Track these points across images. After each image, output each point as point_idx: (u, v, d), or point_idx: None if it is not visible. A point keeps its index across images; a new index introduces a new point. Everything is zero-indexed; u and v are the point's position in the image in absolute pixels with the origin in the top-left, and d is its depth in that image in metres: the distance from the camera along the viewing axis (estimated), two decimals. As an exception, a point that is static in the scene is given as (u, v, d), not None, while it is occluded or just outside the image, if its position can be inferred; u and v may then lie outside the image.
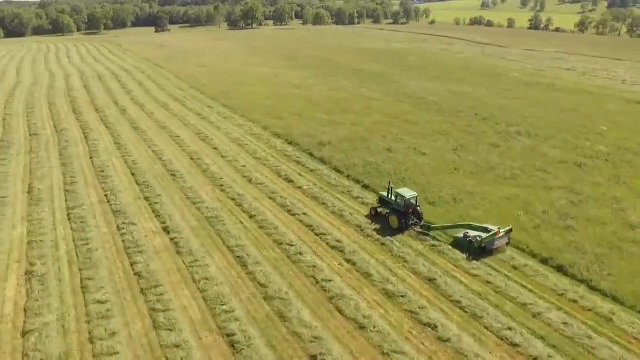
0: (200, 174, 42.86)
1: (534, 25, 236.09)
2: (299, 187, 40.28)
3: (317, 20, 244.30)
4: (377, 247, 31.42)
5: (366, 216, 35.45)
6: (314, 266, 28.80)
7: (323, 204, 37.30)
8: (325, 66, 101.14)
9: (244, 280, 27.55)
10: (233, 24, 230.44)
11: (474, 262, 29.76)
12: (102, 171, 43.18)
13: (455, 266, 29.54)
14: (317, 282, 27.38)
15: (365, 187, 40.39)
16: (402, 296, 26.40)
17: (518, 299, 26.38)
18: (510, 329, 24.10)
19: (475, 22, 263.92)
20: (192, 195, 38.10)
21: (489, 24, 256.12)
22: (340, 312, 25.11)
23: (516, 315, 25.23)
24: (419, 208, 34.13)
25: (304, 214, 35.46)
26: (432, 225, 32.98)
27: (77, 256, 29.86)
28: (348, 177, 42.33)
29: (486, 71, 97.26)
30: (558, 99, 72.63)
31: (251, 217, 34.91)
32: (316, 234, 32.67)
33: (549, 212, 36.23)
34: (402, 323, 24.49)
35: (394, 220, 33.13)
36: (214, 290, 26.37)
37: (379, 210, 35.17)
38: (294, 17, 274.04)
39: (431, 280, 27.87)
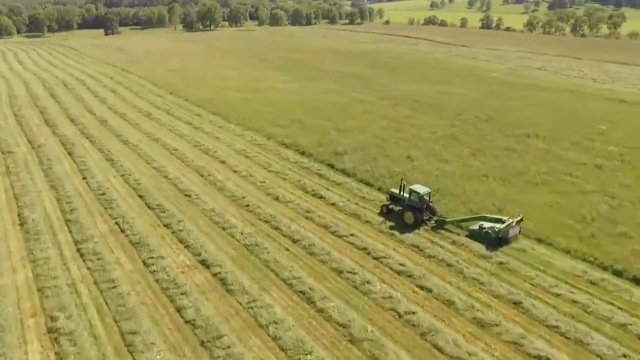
0: (217, 192, 38.43)
1: (486, 24, 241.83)
2: (333, 204, 36.79)
3: (274, 21, 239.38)
4: (444, 269, 28.57)
5: (378, 214, 34.91)
6: (390, 297, 25.55)
7: (367, 221, 34.05)
8: (304, 68, 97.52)
9: (318, 321, 23.89)
10: (188, 26, 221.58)
11: (550, 279, 27.53)
12: (103, 194, 37.86)
13: (532, 285, 27.22)
14: (400, 316, 24.19)
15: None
16: (496, 325, 23.76)
17: (614, 319, 24.36)
18: (625, 356, 21.94)
19: (429, 21, 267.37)
20: (219, 220, 33.75)
21: (443, 23, 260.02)
22: (440, 350, 22.05)
23: (621, 338, 23.14)
24: (431, 203, 34.42)
25: (352, 234, 32.08)
26: (447, 219, 33.21)
27: (107, 303, 25.06)
28: (379, 189, 39.23)
29: (465, 71, 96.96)
30: (547, 99, 72.75)
31: (295, 241, 31.14)
32: (374, 258, 29.42)
33: (596, 219, 34.78)
34: (510, 357, 21.78)
35: (409, 217, 33.21)
36: (289, 336, 22.55)
37: (391, 207, 35.00)
38: (248, 18, 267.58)
39: (517, 304, 25.37)
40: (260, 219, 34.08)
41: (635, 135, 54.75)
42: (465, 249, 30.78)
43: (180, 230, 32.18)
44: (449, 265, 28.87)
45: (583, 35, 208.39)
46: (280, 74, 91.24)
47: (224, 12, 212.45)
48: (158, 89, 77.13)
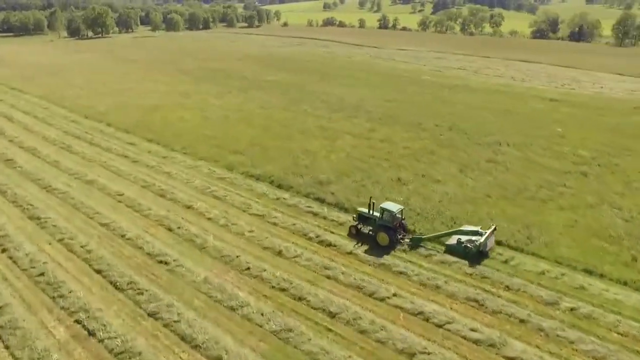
0: (200, 254, 29.74)
1: (383, 24, 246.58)
2: (349, 253, 30.10)
3: (171, 26, 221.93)
4: (527, 331, 23.43)
5: (347, 235, 31.90)
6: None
7: (401, 273, 27.94)
8: (230, 79, 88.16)
9: None
10: (74, 33, 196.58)
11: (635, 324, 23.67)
12: (41, 274, 27.40)
13: (621, 334, 23.18)
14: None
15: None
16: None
17: None
18: None
19: (328, 22, 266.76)
20: (221, 296, 25.47)
21: (341, 24, 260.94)
22: None
23: None
24: (404, 221, 32.03)
25: (395, 295, 25.80)
26: (423, 236, 31.07)
27: None
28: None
29: (395, 74, 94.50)
30: (487, 101, 71.98)
31: (332, 315, 24.16)
32: (438, 326, 23.60)
33: (623, 237, 32.62)
34: None
35: (383, 238, 30.48)
36: None
37: (360, 227, 31.92)
38: (139, 23, 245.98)
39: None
40: (273, 287, 26.39)
41: (590, 135, 54.87)
42: (528, 296, 26.00)
43: (176, 322, 23.47)
44: (522, 321, 23.84)
45: (471, 34, 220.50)
46: (208, 86, 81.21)
47: (111, 17, 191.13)
48: (68, 113, 63.61)
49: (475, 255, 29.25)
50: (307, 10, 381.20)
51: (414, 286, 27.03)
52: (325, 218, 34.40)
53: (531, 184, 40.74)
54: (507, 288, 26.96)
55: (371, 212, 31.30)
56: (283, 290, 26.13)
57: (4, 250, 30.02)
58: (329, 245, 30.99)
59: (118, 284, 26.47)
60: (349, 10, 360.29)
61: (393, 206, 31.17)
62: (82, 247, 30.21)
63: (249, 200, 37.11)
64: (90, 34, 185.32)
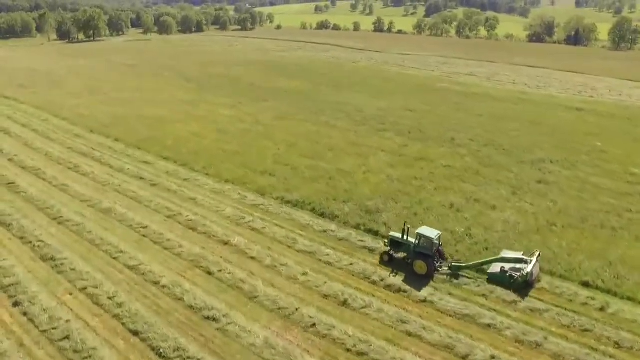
0: (253, 306, 25.06)
1: (378, 28, 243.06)
2: (424, 300, 25.78)
3: (163, 29, 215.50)
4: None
5: (380, 262, 29.10)
6: None
7: (489, 326, 23.73)
8: (237, 86, 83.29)
9: None
10: (64, 36, 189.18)
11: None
12: (66, 338, 22.57)
13: None
14: None
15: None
16: None
17: None
18: None
19: (322, 26, 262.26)
20: (290, 365, 20.97)
21: (336, 27, 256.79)
22: None
23: None
24: (441, 247, 29.39)
25: (493, 358, 21.54)
26: (462, 264, 28.27)
27: None
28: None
29: (406, 81, 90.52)
30: (512, 110, 68.29)
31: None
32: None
33: None
34: None
35: (421, 266, 27.84)
36: None
37: (395, 255, 29.11)
38: (130, 26, 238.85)
39: None
40: (349, 351, 22.00)
41: (634, 151, 51.34)
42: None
43: (242, 406, 18.91)
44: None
45: (468, 37, 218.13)
46: (215, 94, 76.27)
47: (104, 21, 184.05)
48: (70, 125, 58.27)
49: (521, 286, 26.73)
50: (298, 13, 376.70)
51: (510, 344, 22.87)
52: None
53: (594, 209, 36.88)
54: (617, 345, 22.94)
55: (405, 237, 28.74)
56: (362, 354, 21.73)
57: (16, 304, 25.05)
58: (398, 291, 26.63)
59: (162, 350, 21.77)
60: (341, 13, 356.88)
61: (431, 232, 28.56)
62: (110, 298, 25.39)
63: (292, 234, 32.54)
64: (81, 37, 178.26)
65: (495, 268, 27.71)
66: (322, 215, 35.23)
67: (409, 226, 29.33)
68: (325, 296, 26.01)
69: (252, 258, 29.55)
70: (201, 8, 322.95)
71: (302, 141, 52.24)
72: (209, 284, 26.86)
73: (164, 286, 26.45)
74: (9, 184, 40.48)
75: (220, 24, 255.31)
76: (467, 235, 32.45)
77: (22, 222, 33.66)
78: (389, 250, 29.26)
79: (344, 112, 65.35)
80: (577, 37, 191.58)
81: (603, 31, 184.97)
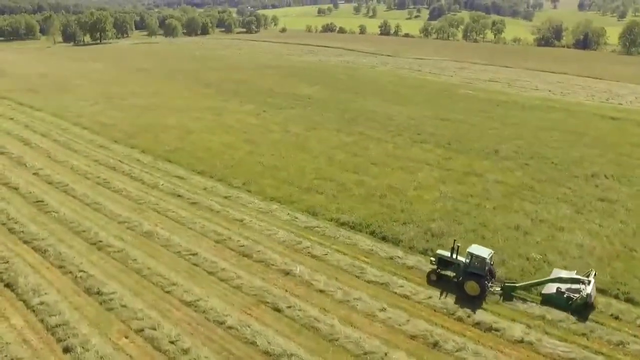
0: (336, 351, 22.14)
1: (384, 31, 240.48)
2: (520, 341, 22.93)
3: (169, 31, 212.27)
4: None
5: (427, 282, 27.68)
6: None
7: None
8: (256, 92, 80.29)
9: None
10: (69, 38, 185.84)
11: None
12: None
13: None
14: None
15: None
16: None
17: None
18: None
19: (327, 28, 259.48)
20: None
21: (341, 30, 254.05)
22: None
23: None
24: (492, 266, 27.70)
25: None
26: (516, 284, 26.61)
27: None
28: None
29: (429, 88, 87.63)
30: (547, 120, 65.32)
31: None
32: None
33: None
34: None
35: (473, 287, 26.26)
36: None
37: (443, 273, 27.78)
38: (134, 28, 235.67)
39: None
40: (458, 413, 19.11)
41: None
42: None
43: None
44: None
45: (475, 41, 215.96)
46: (237, 101, 73.33)
47: (111, 23, 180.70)
48: (93, 135, 55.21)
49: (580, 307, 25.11)
50: (301, 15, 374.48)
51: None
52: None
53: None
54: None
55: (454, 256, 27.36)
56: (473, 415, 18.89)
57: (67, 350, 22.09)
58: (490, 329, 23.81)
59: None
60: (344, 16, 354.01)
61: (483, 251, 27.08)
62: (172, 342, 22.43)
63: (357, 261, 29.62)
64: (86, 40, 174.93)
65: (551, 289, 26.20)
66: (383, 239, 32.35)
67: (458, 244, 27.70)
68: (412, 337, 23.20)
69: (321, 291, 26.66)
70: (204, 10, 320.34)
71: (340, 153, 49.37)
72: (279, 324, 23.95)
73: (230, 327, 23.52)
74: (38, 202, 37.45)
75: (225, 26, 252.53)
76: (544, 262, 29.68)
77: (59, 247, 30.69)
78: (437, 269, 27.94)
79: (374, 120, 62.50)
80: (586, 41, 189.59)
81: (612, 35, 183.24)
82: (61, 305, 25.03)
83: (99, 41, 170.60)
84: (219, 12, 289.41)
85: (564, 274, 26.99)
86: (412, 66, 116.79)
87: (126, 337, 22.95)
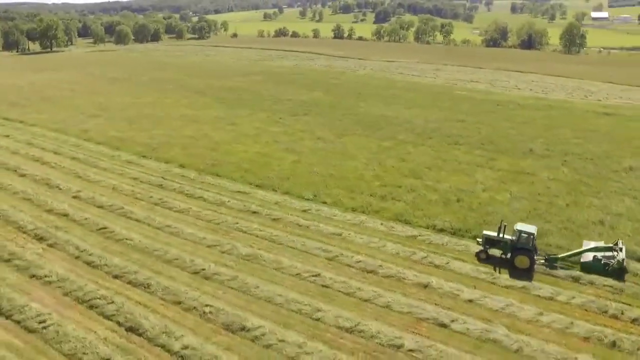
0: (527, 365, 21.29)
1: (338, 35, 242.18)
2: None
3: (120, 38, 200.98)
4: None
5: (477, 260, 29.79)
6: None
7: None
8: (258, 99, 77.45)
9: None
10: (11, 46, 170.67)
11: None
12: None
13: None
14: None
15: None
16: None
17: None
18: None
19: (280, 33, 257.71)
20: None
21: (295, 34, 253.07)
22: None
23: None
24: (535, 242, 29.87)
25: None
26: (558, 256, 29.38)
27: None
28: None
29: (425, 91, 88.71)
30: (554, 119, 67.72)
31: None
32: None
33: None
34: None
35: (523, 261, 28.76)
36: None
37: (491, 252, 29.94)
38: (76, 36, 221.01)
39: None
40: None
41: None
42: None
43: None
44: None
45: (428, 43, 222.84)
46: (244, 109, 70.17)
47: (62, 30, 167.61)
48: (114, 151, 50.37)
49: (617, 272, 28.03)
50: (246, 20, 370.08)
51: None
52: (597, 299, 26.89)
53: None
54: None
55: (501, 235, 29.60)
56: None
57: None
58: (653, 328, 23.89)
59: None
60: (290, 20, 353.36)
61: (529, 227, 29.69)
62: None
63: (481, 267, 28.86)
64: (32, 48, 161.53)
65: (588, 257, 28.96)
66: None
67: (505, 224, 29.91)
68: (585, 339, 22.72)
69: (469, 301, 25.64)
70: (145, 16, 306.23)
71: (387, 159, 48.43)
72: (455, 340, 22.62)
73: (412, 350, 21.90)
74: (101, 229, 33.36)
75: (175, 32, 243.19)
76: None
77: (160, 280, 27.31)
78: (486, 249, 29.88)
79: (396, 125, 62.11)
80: (530, 42, 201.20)
81: (553, 36, 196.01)
82: (209, 347, 22.08)
83: (49, 49, 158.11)
84: (164, 19, 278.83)
85: (593, 244, 30.02)
86: (390, 69, 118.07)
87: (304, 379, 20.68)
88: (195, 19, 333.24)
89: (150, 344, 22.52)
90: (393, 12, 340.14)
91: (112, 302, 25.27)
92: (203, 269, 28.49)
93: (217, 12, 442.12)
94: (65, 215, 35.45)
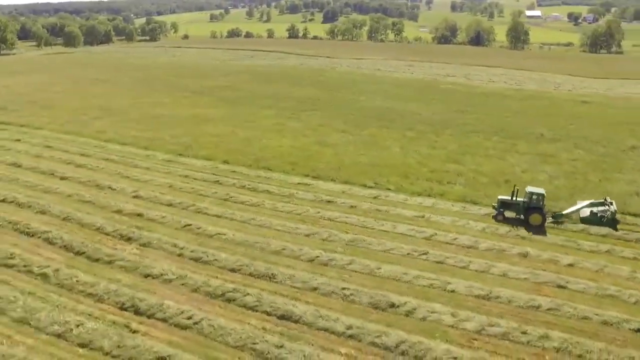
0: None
1: (293, 34, 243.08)
2: None
3: (70, 40, 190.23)
4: None
5: (495, 220, 34.00)
6: None
7: None
8: (255, 98, 77.37)
9: None
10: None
11: None
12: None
13: None
14: None
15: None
16: None
17: None
18: None
19: (233, 34, 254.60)
20: None
21: (248, 35, 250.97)
22: None
23: None
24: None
25: None
26: (562, 212, 33.87)
27: None
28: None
29: (411, 85, 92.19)
30: (543, 108, 72.74)
31: None
32: None
33: None
34: None
35: (536, 218, 32.97)
36: None
37: (507, 214, 34.06)
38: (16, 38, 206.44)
39: None
40: None
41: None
42: None
43: None
44: None
45: (382, 41, 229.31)
46: (248, 107, 69.99)
47: (12, 32, 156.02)
48: (141, 150, 48.79)
49: (611, 222, 32.85)
50: (192, 22, 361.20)
51: None
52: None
53: None
54: None
55: (514, 198, 33.71)
56: None
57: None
58: None
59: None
60: (237, 21, 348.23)
61: (539, 189, 33.92)
62: None
63: (569, 238, 31.76)
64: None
65: (585, 212, 33.68)
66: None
67: (517, 188, 34.21)
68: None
69: (570, 265, 28.26)
70: (86, 19, 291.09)
71: (419, 147, 50.78)
72: (581, 299, 25.05)
73: (549, 309, 24.07)
74: (186, 226, 32.88)
75: (125, 34, 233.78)
76: None
77: (282, 270, 27.55)
78: (502, 211, 33.90)
79: (406, 117, 64.64)
80: (479, 39, 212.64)
81: (499, 33, 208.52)
82: (371, 326, 22.59)
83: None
84: (109, 20, 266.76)
85: (586, 202, 34.55)
86: (365, 65, 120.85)
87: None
88: (138, 21, 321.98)
89: (311, 328, 22.97)
90: (340, 12, 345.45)
91: (248, 294, 25.36)
92: (317, 257, 29.09)
93: (159, 13, 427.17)
94: (139, 215, 34.51)
